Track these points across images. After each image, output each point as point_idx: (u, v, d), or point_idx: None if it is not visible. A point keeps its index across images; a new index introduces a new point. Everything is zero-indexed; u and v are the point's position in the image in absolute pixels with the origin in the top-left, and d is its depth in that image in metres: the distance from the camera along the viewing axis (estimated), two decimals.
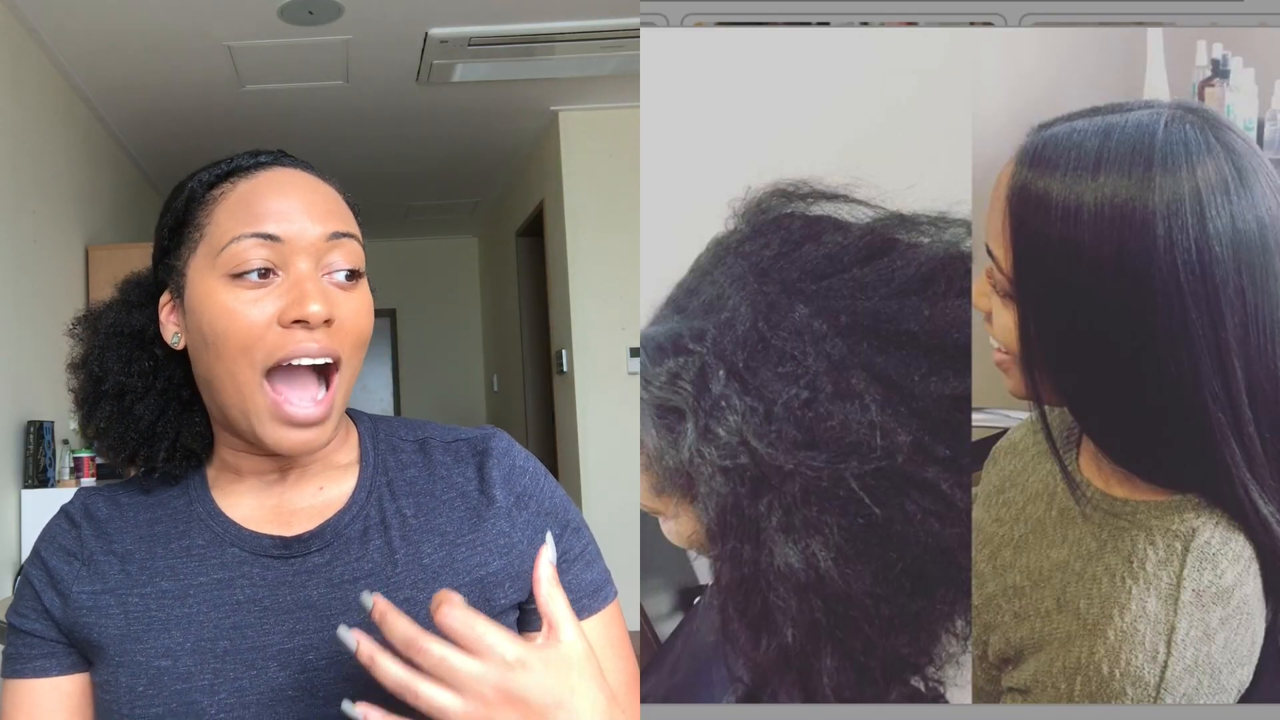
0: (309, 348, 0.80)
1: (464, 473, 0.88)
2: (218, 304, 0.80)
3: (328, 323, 0.80)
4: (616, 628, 0.90)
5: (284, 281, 0.81)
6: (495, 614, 0.84)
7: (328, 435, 0.83)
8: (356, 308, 0.83)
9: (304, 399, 0.81)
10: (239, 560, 0.84)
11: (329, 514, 0.86)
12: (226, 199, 0.83)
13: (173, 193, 0.87)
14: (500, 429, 0.93)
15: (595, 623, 0.88)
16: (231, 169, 0.85)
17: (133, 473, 0.90)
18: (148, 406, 0.86)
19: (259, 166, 0.85)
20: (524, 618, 0.88)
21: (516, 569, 0.85)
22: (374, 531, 0.85)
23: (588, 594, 0.88)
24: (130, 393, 0.86)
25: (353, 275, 0.83)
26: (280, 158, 0.86)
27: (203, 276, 0.82)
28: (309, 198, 0.83)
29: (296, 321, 0.79)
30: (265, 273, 0.80)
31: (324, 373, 0.82)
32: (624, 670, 0.88)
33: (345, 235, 0.83)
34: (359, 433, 0.91)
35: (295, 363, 0.80)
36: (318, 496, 0.87)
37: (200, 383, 0.85)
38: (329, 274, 0.82)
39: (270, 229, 0.80)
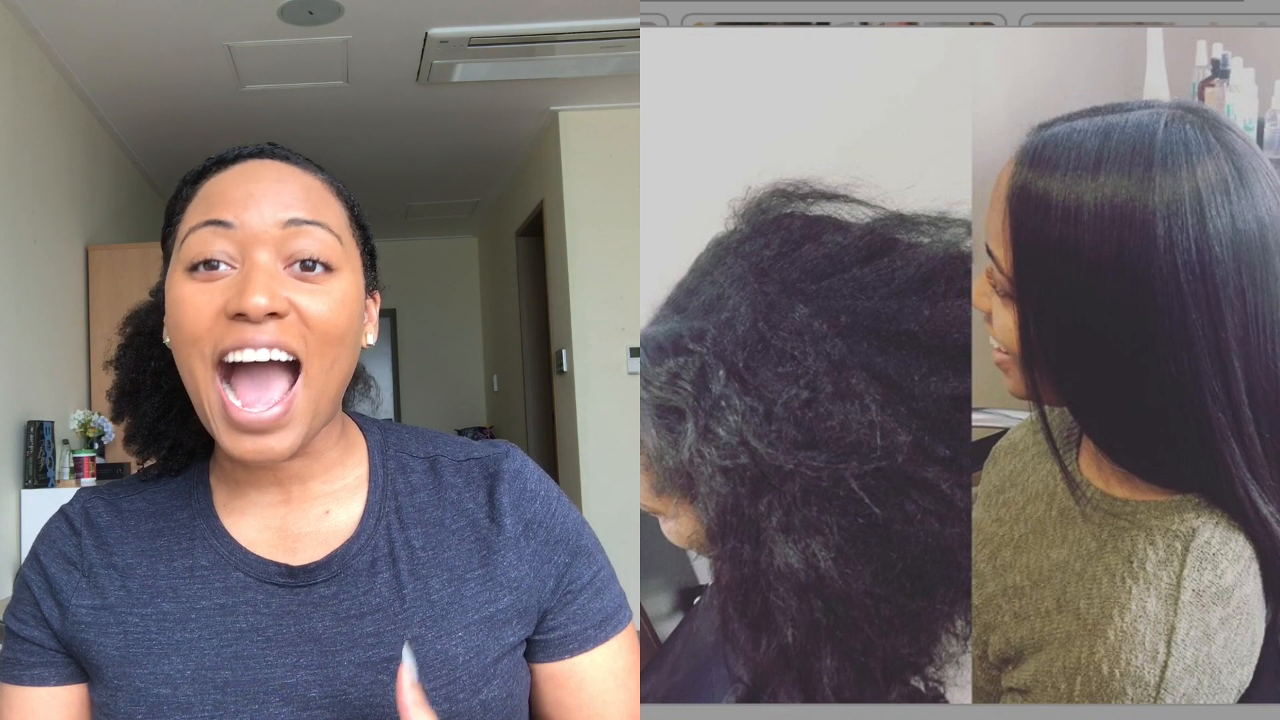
0: (255, 339, 0.74)
1: (475, 497, 0.86)
2: (174, 297, 0.78)
3: (276, 315, 0.75)
4: (624, 658, 0.88)
5: (239, 272, 0.76)
6: (504, 650, 0.83)
7: (291, 442, 0.76)
8: (322, 301, 0.77)
9: (259, 401, 0.76)
10: (243, 585, 0.81)
11: (336, 542, 0.83)
12: (197, 194, 0.81)
13: None
14: (514, 446, 0.90)
15: (600, 654, 0.87)
16: (211, 165, 0.83)
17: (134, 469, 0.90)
18: (153, 404, 0.86)
19: (239, 159, 0.82)
20: (530, 649, 0.87)
21: (524, 604, 0.84)
22: (382, 564, 0.83)
23: (594, 625, 0.87)
24: (141, 389, 0.87)
25: (318, 266, 0.78)
26: (265, 150, 0.83)
27: (171, 273, 0.80)
28: (274, 185, 0.79)
29: (240, 315, 0.74)
30: (221, 263, 0.76)
31: (295, 372, 0.77)
32: (624, 705, 0.86)
33: (309, 223, 0.78)
34: (368, 446, 0.87)
35: (237, 358, 0.75)
36: (324, 521, 0.84)
37: None
38: (291, 265, 0.77)
39: (223, 215, 0.77)
